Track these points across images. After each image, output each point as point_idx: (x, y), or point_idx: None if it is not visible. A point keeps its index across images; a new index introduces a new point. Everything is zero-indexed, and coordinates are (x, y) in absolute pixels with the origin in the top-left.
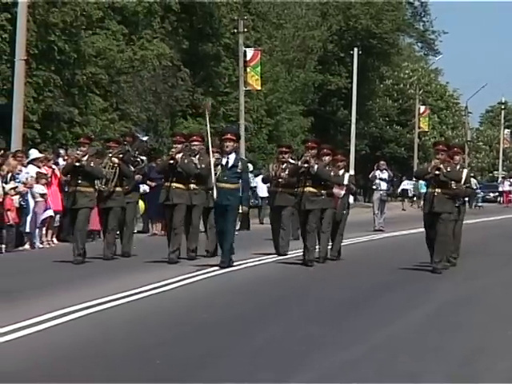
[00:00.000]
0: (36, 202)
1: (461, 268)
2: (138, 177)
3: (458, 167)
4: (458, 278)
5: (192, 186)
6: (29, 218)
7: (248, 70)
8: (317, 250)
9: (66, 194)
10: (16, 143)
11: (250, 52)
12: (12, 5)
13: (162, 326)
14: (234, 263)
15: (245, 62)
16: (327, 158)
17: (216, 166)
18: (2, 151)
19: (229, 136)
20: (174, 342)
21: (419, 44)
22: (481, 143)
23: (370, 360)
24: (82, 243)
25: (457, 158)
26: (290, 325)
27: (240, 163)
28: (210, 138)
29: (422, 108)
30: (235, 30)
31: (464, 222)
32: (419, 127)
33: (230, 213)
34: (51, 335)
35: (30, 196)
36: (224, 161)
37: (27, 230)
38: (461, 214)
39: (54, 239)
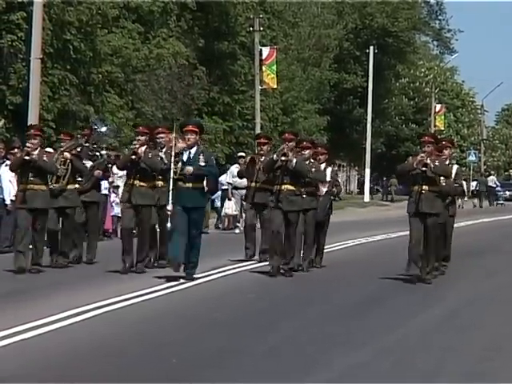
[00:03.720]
0: None
1: (477, 266)
2: (97, 173)
3: (447, 162)
4: (474, 277)
5: (159, 183)
6: None
7: (264, 68)
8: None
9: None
10: None
11: (265, 50)
12: (27, 3)
13: (175, 325)
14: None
15: (261, 60)
16: (307, 152)
17: (176, 163)
18: (16, 149)
19: (190, 128)
20: (186, 340)
21: (435, 42)
22: (496, 142)
23: (384, 359)
24: (41, 250)
25: (446, 152)
26: (302, 325)
27: (202, 156)
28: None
29: (438, 106)
30: (251, 29)
31: (480, 220)
32: (435, 125)
33: (197, 216)
34: (66, 334)
35: None
36: (185, 156)
37: None
38: (450, 215)
39: None
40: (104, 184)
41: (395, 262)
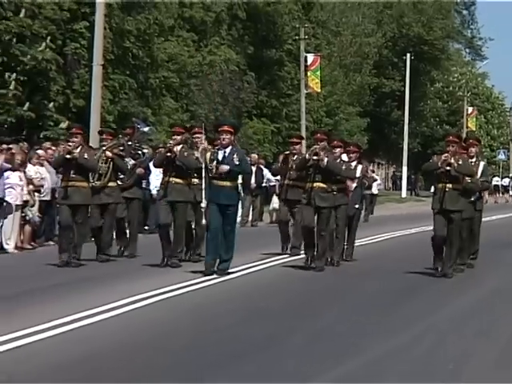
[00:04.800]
0: None
1: (506, 258)
2: (139, 170)
3: (474, 160)
4: (502, 268)
5: (195, 180)
6: None
7: (309, 73)
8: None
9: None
10: (93, 142)
11: (310, 57)
12: (90, 14)
13: (224, 314)
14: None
15: (306, 66)
16: (338, 151)
17: (212, 161)
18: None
19: (225, 128)
20: (237, 326)
21: (467, 50)
22: None
23: (418, 344)
24: (80, 246)
25: (473, 150)
26: (340, 313)
27: (236, 155)
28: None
29: (470, 109)
30: (297, 37)
31: (509, 214)
32: (467, 127)
33: (231, 213)
34: (127, 320)
35: None
36: (220, 155)
37: None
38: (477, 210)
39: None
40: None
41: (428, 254)
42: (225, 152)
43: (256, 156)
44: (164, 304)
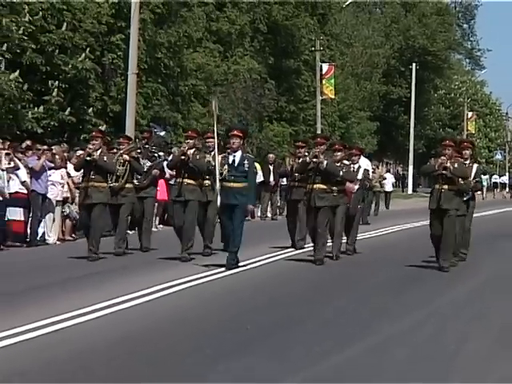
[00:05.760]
0: None
1: (501, 248)
2: (155, 172)
3: (467, 162)
4: (497, 258)
5: (206, 182)
6: None
7: (324, 81)
8: (329, 244)
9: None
10: None
11: (325, 67)
12: (125, 27)
13: (243, 301)
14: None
15: (321, 75)
16: (339, 154)
17: (223, 165)
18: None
19: (235, 132)
20: (258, 311)
21: (467, 60)
22: None
23: (425, 326)
24: (97, 240)
25: (467, 152)
26: (349, 301)
27: (246, 161)
28: (216, 138)
29: (470, 114)
30: (313, 48)
31: (505, 209)
32: (467, 130)
33: (239, 212)
34: (152, 308)
35: None
36: (230, 159)
37: None
38: (469, 208)
39: (161, 225)
40: None
41: (429, 245)
42: (234, 156)
43: (274, 156)
44: (185, 293)
